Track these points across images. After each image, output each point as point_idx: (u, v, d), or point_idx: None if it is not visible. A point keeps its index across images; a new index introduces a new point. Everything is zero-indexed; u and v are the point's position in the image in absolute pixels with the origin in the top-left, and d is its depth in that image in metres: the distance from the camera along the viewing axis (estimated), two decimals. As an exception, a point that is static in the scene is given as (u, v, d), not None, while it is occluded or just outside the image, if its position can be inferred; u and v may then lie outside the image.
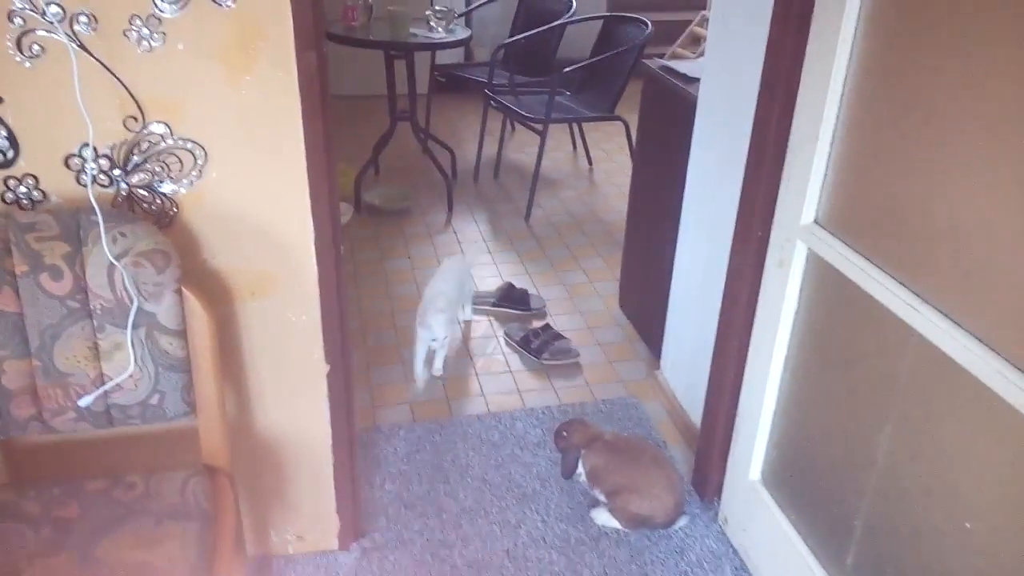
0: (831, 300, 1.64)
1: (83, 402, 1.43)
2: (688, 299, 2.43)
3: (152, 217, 1.52)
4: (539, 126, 4.00)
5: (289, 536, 1.95)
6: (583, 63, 4.06)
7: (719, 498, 2.14)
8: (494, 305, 3.12)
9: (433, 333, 2.58)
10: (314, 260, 1.65)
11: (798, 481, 1.81)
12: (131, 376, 1.44)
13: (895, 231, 1.43)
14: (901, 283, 1.41)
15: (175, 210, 1.54)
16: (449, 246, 3.69)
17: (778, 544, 1.83)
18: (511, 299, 3.12)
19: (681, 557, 2.03)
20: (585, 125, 4.70)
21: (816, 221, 1.65)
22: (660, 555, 2.03)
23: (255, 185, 1.55)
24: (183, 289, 1.44)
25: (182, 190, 1.52)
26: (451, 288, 2.78)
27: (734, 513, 2.06)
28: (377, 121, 4.51)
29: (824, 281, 1.65)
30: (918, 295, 1.37)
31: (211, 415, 1.51)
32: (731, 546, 2.06)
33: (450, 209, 4.06)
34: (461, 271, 2.92)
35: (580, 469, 2.13)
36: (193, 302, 1.46)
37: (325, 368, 1.76)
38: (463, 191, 4.32)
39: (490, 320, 3.09)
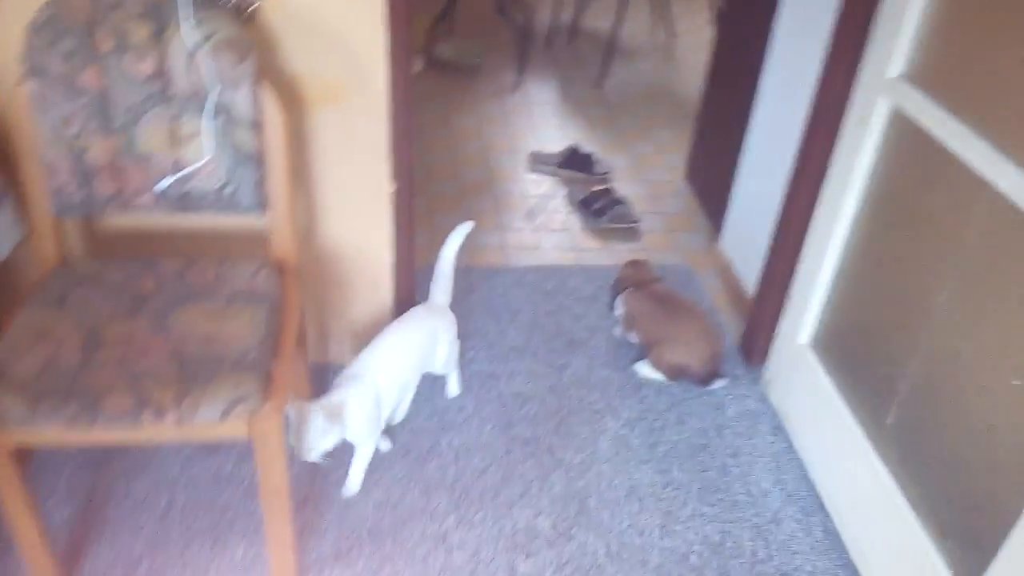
0: (907, 158, 1.59)
1: (160, 185, 1.50)
2: (757, 168, 2.39)
3: (231, 11, 1.53)
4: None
5: (346, 347, 2.04)
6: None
7: (764, 364, 2.16)
8: (558, 166, 3.10)
9: (343, 429, 1.59)
10: (384, 74, 1.65)
11: (847, 344, 1.81)
12: (207, 163, 1.49)
13: (985, 84, 1.37)
14: (985, 139, 1.36)
15: (253, 4, 1.54)
16: (518, 106, 3.65)
17: (819, 407, 1.86)
18: (575, 162, 3.10)
19: (720, 412, 2.07)
20: (669, -3, 4.50)
21: (903, 75, 1.58)
22: (699, 408, 2.08)
23: (335, -12, 1.55)
24: (260, 83, 1.47)
25: (264, -14, 1.53)
26: (391, 365, 1.73)
27: (778, 376, 2.08)
28: (455, -25, 4.39)
29: (902, 137, 1.59)
30: (1002, 151, 1.32)
31: (282, 212, 1.57)
32: (771, 407, 2.09)
33: (522, 70, 3.99)
34: (423, 335, 1.83)
35: (619, 310, 2.18)
36: (269, 98, 1.48)
37: (391, 187, 1.79)
38: (536, 55, 4.23)
39: (554, 182, 3.08)
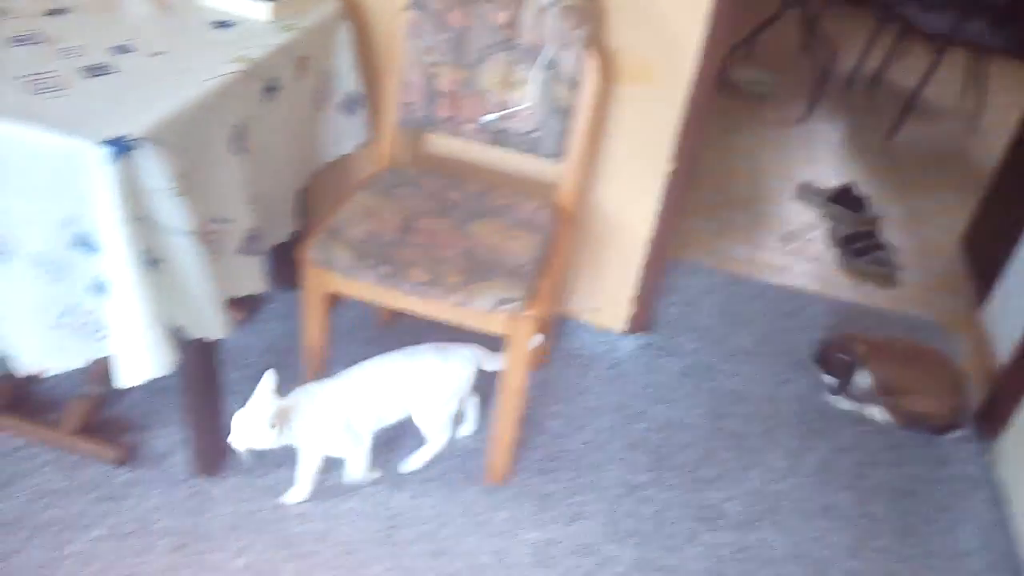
0: None
1: (486, 118, 1.77)
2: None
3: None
4: (935, 44, 3.72)
5: (588, 306, 2.24)
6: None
7: (998, 436, 2.07)
8: (828, 200, 3.10)
9: (285, 435, 1.55)
10: (693, 65, 1.82)
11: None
12: (527, 108, 1.74)
13: None
14: None
15: (598, -17, 1.77)
16: (799, 138, 3.67)
17: (1051, 483, 1.77)
18: (846, 200, 3.08)
19: (939, 467, 2.02)
20: (993, 65, 4.26)
21: None
22: (918, 456, 2.04)
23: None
24: (588, 49, 1.69)
25: (610, -33, 1.75)
26: (369, 392, 1.66)
27: (1010, 449, 1.99)
28: (766, 8, 4.46)
29: None
30: None
31: (573, 164, 1.78)
32: (994, 479, 2.00)
33: (812, 106, 3.98)
34: (415, 376, 1.68)
35: (862, 383, 2.10)
36: (592, 63, 1.70)
37: (670, 165, 1.96)
38: (832, 96, 4.19)
39: (818, 214, 3.08)
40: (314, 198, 2.06)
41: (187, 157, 1.31)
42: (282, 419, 1.52)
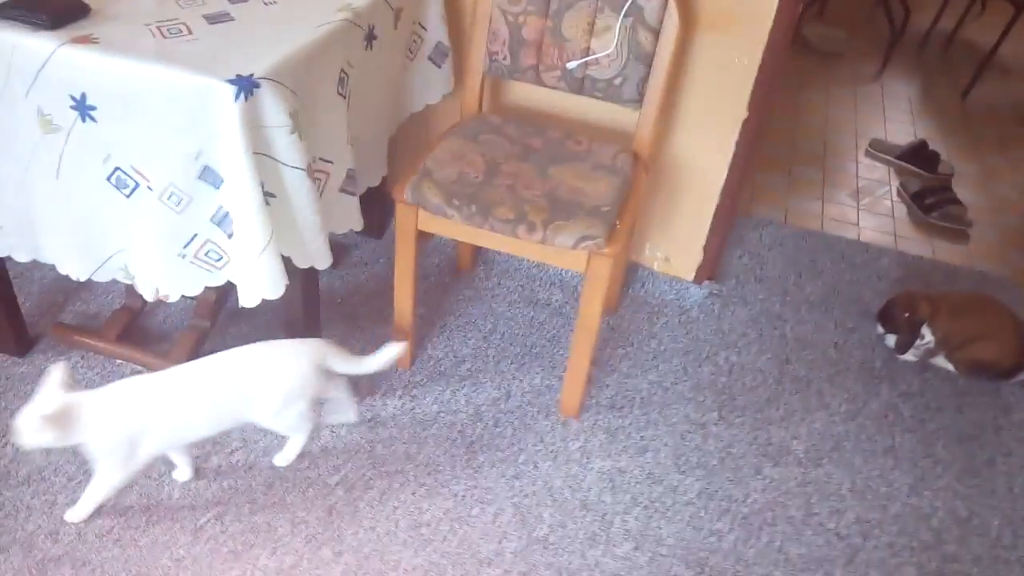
0: None
1: (570, 65, 1.85)
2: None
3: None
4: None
5: (659, 254, 2.31)
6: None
7: (1069, 385, 2.10)
8: (899, 157, 3.09)
9: (63, 436, 1.41)
10: (772, 13, 1.86)
11: None
12: (610, 55, 1.81)
13: None
14: None
15: (682, -65, 1.82)
16: (872, 95, 3.64)
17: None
18: (919, 156, 3.07)
19: (1004, 414, 2.06)
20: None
21: None
22: (982, 403, 2.08)
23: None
24: (669, -2, 1.75)
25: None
26: (163, 408, 1.50)
27: (1080, 399, 2.01)
28: (842, -39, 4.39)
29: None
30: None
31: (651, 111, 1.85)
32: (1062, 428, 2.04)
33: (884, 64, 3.93)
34: (222, 386, 1.55)
35: (929, 338, 2.12)
36: (673, 10, 1.76)
37: (744, 114, 2.01)
38: (905, 53, 4.12)
39: (889, 171, 3.08)
40: (400, 146, 2.17)
41: (301, 98, 1.42)
42: (63, 418, 1.37)
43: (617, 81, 1.83)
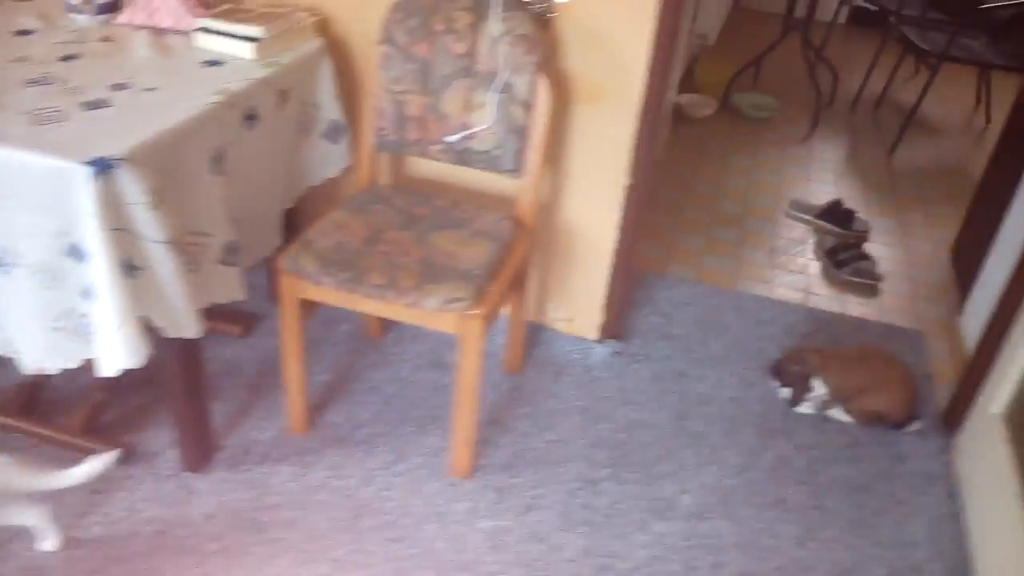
0: None
1: (451, 138, 1.94)
2: (1009, 248, 2.33)
3: (535, 14, 1.94)
4: (932, 61, 3.80)
5: (562, 315, 2.38)
6: (1011, 2, 3.73)
7: (956, 433, 2.13)
8: (817, 216, 3.19)
9: None
10: (641, 85, 1.97)
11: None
12: (487, 128, 1.91)
13: None
14: None
15: (552, 13, 1.94)
16: (798, 158, 3.76)
17: (993, 478, 1.83)
18: (834, 215, 3.16)
19: (897, 463, 2.09)
20: (998, 81, 4.30)
21: None
22: (877, 454, 2.11)
23: (613, 9, 1.89)
24: (539, 73, 1.85)
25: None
26: None
27: (966, 442, 2.05)
28: (770, 34, 4.58)
29: None
30: None
31: (530, 179, 1.94)
32: (953, 474, 2.06)
33: (813, 127, 4.08)
34: None
35: (818, 391, 2.18)
36: (543, 85, 1.86)
37: (626, 181, 2.10)
38: (835, 116, 4.28)
39: (807, 230, 3.17)
40: (306, 218, 2.25)
41: (164, 176, 1.51)
42: None
43: (496, 152, 1.93)
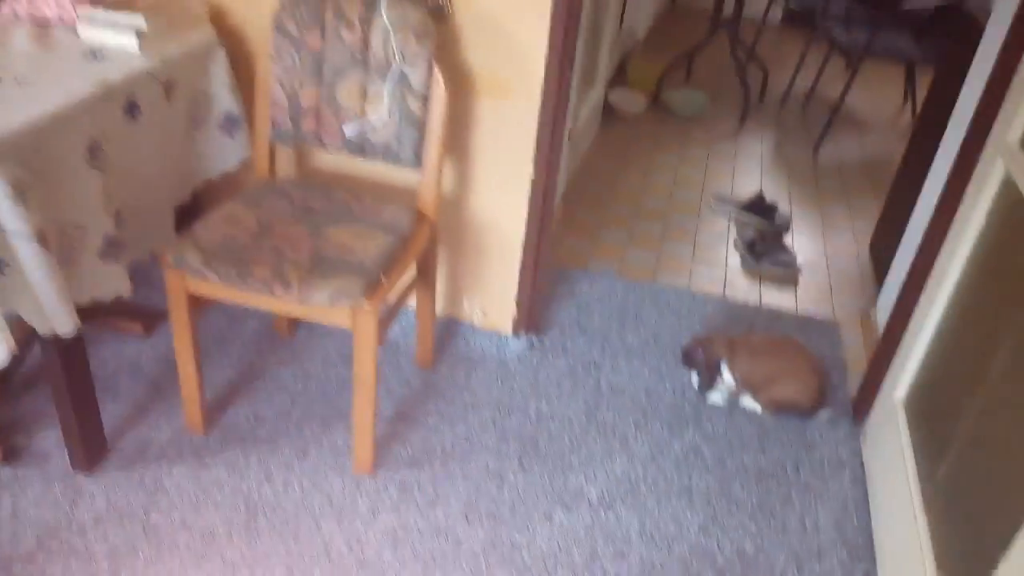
0: (1008, 230, 1.59)
1: (347, 130, 1.91)
2: (916, 239, 2.37)
3: (430, 8, 1.92)
4: (854, 58, 3.86)
5: (477, 309, 2.35)
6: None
7: (865, 419, 2.16)
8: (740, 208, 3.21)
9: None
10: (541, 79, 1.95)
11: (926, 401, 1.80)
12: (383, 120, 1.88)
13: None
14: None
15: (450, 8, 1.92)
16: (724, 154, 3.79)
17: (894, 462, 1.85)
18: (756, 208, 3.19)
19: (807, 451, 2.10)
20: (926, 78, 4.39)
21: (1021, 141, 1.59)
22: (787, 442, 2.12)
23: (509, 3, 1.88)
24: (434, 64, 1.83)
25: (457, -10, 1.90)
26: None
27: (873, 428, 2.07)
28: (704, 33, 4.62)
29: (1008, 203, 1.60)
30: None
31: (431, 172, 1.91)
32: (860, 460, 2.08)
33: (741, 123, 4.12)
34: None
35: (728, 379, 2.19)
36: (438, 77, 1.84)
37: (531, 174, 2.08)
38: (764, 114, 4.33)
39: (729, 223, 3.20)
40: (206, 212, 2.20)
41: (31, 169, 1.45)
42: None
43: (394, 145, 1.90)
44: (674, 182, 3.48)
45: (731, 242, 3.06)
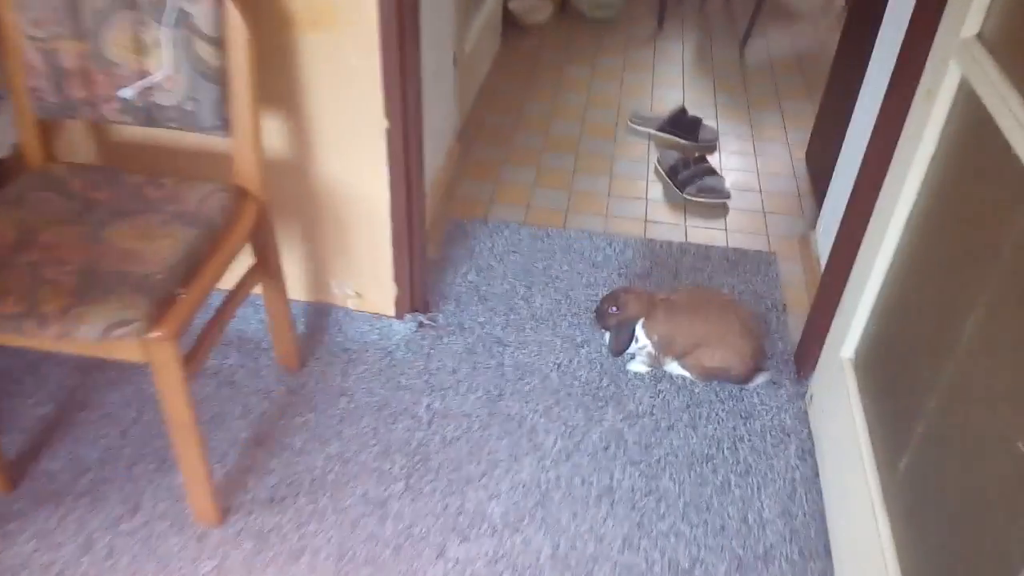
0: (968, 143, 1.23)
1: (124, 93, 1.46)
2: (857, 149, 2.01)
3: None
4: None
5: (348, 291, 1.96)
6: None
7: (809, 378, 1.84)
8: (658, 129, 2.82)
9: None
10: (375, 3, 1.52)
11: (881, 364, 1.48)
12: (167, 76, 1.44)
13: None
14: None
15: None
16: (643, 62, 3.37)
17: (846, 432, 1.54)
18: (679, 125, 2.81)
19: (745, 422, 1.79)
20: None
21: (980, 36, 1.22)
22: (721, 413, 1.81)
23: None
24: (224, -4, 1.38)
25: None
26: None
27: (819, 391, 1.76)
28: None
29: (967, 116, 1.24)
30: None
31: (244, 136, 1.49)
32: (807, 427, 1.78)
33: (660, 24, 3.68)
34: None
35: (645, 342, 1.84)
36: (233, 13, 1.40)
37: (384, 124, 1.67)
38: (684, 11, 3.89)
39: (650, 144, 2.81)
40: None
41: None
42: None
43: (188, 106, 1.46)
44: (587, 101, 3.06)
45: (651, 169, 2.69)
